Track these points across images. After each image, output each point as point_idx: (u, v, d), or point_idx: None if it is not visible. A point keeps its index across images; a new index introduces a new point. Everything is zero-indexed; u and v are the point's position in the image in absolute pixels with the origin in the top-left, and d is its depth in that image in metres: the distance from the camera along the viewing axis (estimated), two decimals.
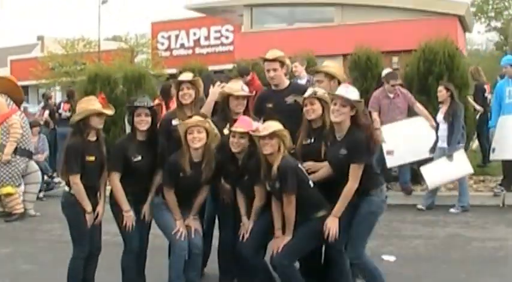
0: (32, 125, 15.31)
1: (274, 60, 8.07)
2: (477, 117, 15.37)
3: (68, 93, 19.48)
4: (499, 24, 62.51)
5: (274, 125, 6.80)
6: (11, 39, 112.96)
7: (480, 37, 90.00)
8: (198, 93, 7.89)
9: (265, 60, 8.15)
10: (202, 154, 7.22)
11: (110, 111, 7.27)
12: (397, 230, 10.67)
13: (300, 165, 6.80)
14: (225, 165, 7.35)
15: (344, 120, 6.57)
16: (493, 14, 61.26)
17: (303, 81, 11.92)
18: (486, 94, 15.91)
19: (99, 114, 7.17)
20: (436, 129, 12.41)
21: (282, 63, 8.11)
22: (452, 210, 12.17)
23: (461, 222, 11.28)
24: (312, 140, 7.12)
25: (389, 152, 12.62)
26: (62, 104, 18.83)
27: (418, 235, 10.53)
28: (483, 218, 11.55)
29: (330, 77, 7.62)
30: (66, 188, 7.28)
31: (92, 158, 7.15)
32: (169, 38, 45.89)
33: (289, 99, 7.80)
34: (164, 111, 14.15)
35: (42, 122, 18.51)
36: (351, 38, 20.33)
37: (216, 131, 7.29)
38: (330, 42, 24.11)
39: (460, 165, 12.04)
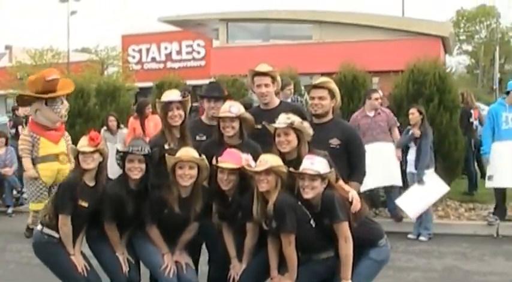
0: None
1: (266, 74, 7.33)
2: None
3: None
4: (470, 48, 62.87)
5: (270, 160, 6.10)
6: None
7: (450, 59, 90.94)
8: (186, 113, 7.13)
9: (256, 73, 7.39)
10: (192, 190, 6.51)
11: (88, 149, 6.55)
12: (391, 261, 9.97)
13: (299, 203, 6.05)
14: (214, 202, 6.62)
15: (316, 195, 5.99)
16: (464, 37, 61.60)
17: (286, 101, 11.21)
18: (472, 119, 15.44)
19: (83, 152, 6.54)
20: (406, 152, 12.00)
21: (274, 79, 7.38)
22: (421, 238, 11.66)
23: (457, 253, 10.67)
24: None
25: None
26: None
27: (414, 267, 9.90)
28: (479, 249, 10.93)
29: (332, 94, 7.01)
30: (38, 227, 6.66)
31: (85, 204, 6.52)
32: (140, 51, 46.05)
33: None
34: (138, 130, 13.54)
35: (10, 134, 17.76)
36: (330, 56, 19.87)
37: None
38: (309, 60, 23.67)
39: (434, 186, 11.59)
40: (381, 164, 11.78)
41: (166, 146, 6.93)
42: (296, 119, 6.39)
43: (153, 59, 45.48)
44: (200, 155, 6.50)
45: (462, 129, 14.36)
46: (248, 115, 6.95)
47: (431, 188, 11.52)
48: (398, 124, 12.59)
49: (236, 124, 6.82)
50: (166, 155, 6.50)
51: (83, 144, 6.59)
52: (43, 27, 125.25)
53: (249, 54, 22.77)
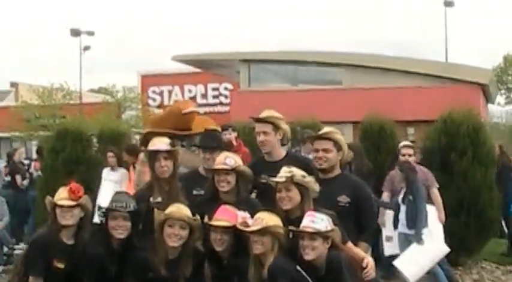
0: None
1: (265, 121, 7.20)
2: None
3: (38, 149, 18.66)
4: None
5: (267, 219, 5.98)
6: None
7: (499, 109, 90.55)
8: (176, 163, 6.96)
9: (257, 120, 7.30)
10: (181, 251, 6.26)
11: (67, 203, 6.27)
12: None
13: (298, 268, 5.88)
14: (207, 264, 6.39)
15: (319, 256, 5.86)
16: None
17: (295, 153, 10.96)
18: None
19: (61, 206, 6.27)
20: (397, 212, 11.68)
21: (276, 127, 7.20)
22: None
23: None
24: (291, 236, 6.13)
25: (389, 238, 12.07)
26: (33, 163, 17.98)
27: None
28: None
29: (339, 146, 6.86)
30: None
31: (61, 265, 6.27)
32: (161, 93, 45.59)
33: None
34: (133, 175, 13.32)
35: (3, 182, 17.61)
36: (362, 103, 19.72)
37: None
38: (338, 107, 23.56)
39: (434, 246, 11.35)
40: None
41: (152, 200, 6.78)
42: (298, 173, 6.28)
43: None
44: (194, 214, 6.32)
45: (499, 185, 14.10)
46: (246, 168, 6.83)
47: (431, 248, 11.27)
48: (437, 185, 12.26)
49: (232, 178, 6.68)
50: (155, 210, 6.32)
51: (62, 196, 6.35)
52: (52, 63, 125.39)
53: (274, 100, 22.72)
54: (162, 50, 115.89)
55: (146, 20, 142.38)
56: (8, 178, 17.67)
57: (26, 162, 18.52)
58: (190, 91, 45.51)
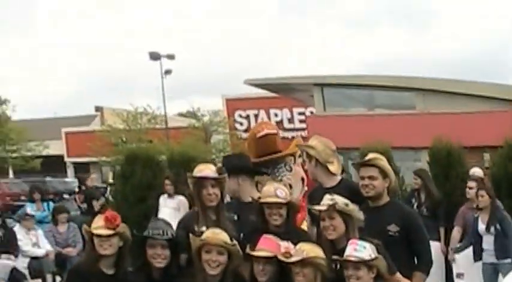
0: (58, 211, 14.57)
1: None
2: None
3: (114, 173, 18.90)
4: None
5: (307, 250, 5.82)
6: (65, 107, 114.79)
7: None
8: (223, 193, 6.81)
9: None
10: (221, 279, 6.05)
11: (104, 232, 6.09)
12: None
13: None
14: None
15: None
16: None
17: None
18: None
19: (98, 236, 6.11)
20: (480, 242, 11.19)
21: (308, 155, 7.34)
22: None
23: None
24: (338, 266, 5.94)
25: (460, 275, 11.74)
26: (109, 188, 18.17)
27: None
28: None
29: (384, 174, 6.78)
30: None
31: None
32: (247, 117, 45.30)
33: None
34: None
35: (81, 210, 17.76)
36: (437, 128, 19.44)
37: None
38: (414, 133, 23.25)
39: None
40: None
41: (197, 228, 6.54)
42: (340, 201, 6.12)
43: None
44: (232, 239, 6.12)
45: None
46: (296, 200, 6.78)
47: None
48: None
49: (284, 211, 6.50)
50: (190, 235, 6.16)
51: (99, 225, 6.17)
52: (138, 87, 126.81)
53: (348, 124, 22.58)
54: (244, 72, 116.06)
55: (225, 42, 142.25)
56: (85, 205, 17.77)
57: (102, 185, 18.73)
58: (276, 115, 45.34)
